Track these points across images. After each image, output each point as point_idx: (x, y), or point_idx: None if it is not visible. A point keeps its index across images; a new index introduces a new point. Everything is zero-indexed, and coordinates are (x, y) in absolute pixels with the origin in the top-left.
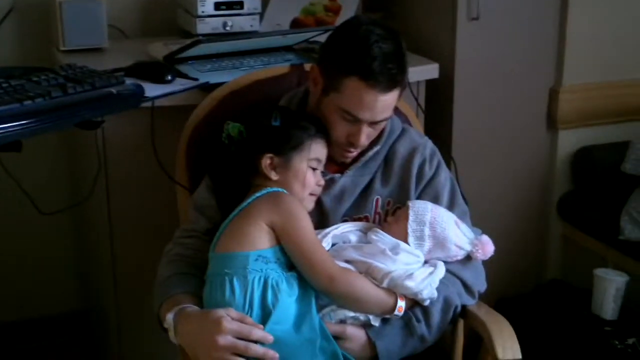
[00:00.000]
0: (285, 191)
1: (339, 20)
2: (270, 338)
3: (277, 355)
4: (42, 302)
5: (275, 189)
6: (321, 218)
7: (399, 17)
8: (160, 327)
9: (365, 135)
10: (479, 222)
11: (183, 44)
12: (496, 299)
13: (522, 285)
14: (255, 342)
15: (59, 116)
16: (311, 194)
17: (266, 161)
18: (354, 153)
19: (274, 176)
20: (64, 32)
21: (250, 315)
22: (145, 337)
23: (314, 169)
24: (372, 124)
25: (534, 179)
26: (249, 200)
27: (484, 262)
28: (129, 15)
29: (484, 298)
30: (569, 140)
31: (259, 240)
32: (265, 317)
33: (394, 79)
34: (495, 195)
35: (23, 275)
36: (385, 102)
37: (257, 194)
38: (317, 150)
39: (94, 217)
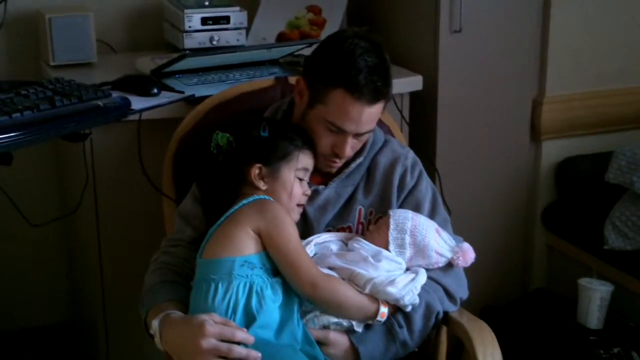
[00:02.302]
0: (272, 199)
1: (324, 33)
2: (252, 339)
3: (259, 355)
4: (31, 313)
5: (262, 196)
6: (305, 228)
7: (382, 30)
8: (147, 334)
9: (350, 147)
10: (463, 232)
11: (170, 58)
12: (481, 308)
13: (507, 295)
14: (239, 344)
15: (47, 128)
16: (298, 205)
17: (255, 171)
18: (339, 164)
19: (262, 186)
20: (53, 47)
21: (233, 321)
22: (133, 347)
23: (300, 180)
24: (357, 135)
25: (518, 190)
26: (236, 206)
27: (469, 271)
28: (117, 31)
29: (468, 307)
30: (553, 151)
31: (245, 246)
32: (248, 322)
33: (379, 91)
34: (480, 205)
35: (12, 286)
36: (370, 114)
37: (244, 201)
38: (305, 160)
39: (82, 228)
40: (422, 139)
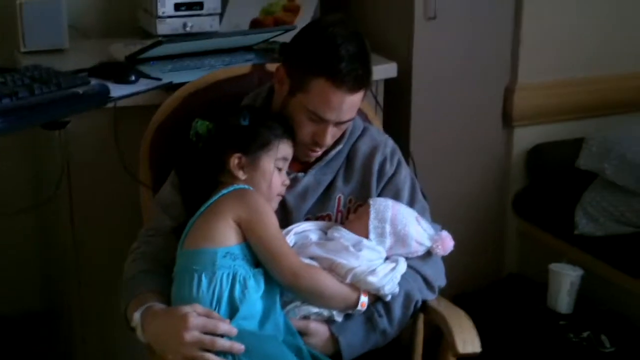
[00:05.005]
0: (251, 188)
1: (298, 20)
2: (235, 331)
3: (242, 347)
4: (5, 302)
5: (241, 185)
6: (284, 216)
7: (357, 17)
8: (128, 326)
9: (331, 135)
10: (436, 218)
11: (144, 44)
12: (454, 294)
13: (479, 281)
14: (222, 336)
15: (26, 116)
16: (277, 194)
17: (234, 160)
18: (318, 152)
19: (241, 175)
20: (24, 33)
21: (218, 312)
22: (110, 336)
23: (279, 169)
24: (338, 124)
25: (491, 176)
26: (216, 197)
27: (443, 258)
28: (89, 16)
29: (442, 294)
30: (525, 138)
31: (227, 237)
32: (232, 313)
33: (360, 79)
34: (452, 192)
35: None
36: (352, 102)
37: (224, 191)
38: (285, 150)
39: (58, 218)
40: (397, 125)
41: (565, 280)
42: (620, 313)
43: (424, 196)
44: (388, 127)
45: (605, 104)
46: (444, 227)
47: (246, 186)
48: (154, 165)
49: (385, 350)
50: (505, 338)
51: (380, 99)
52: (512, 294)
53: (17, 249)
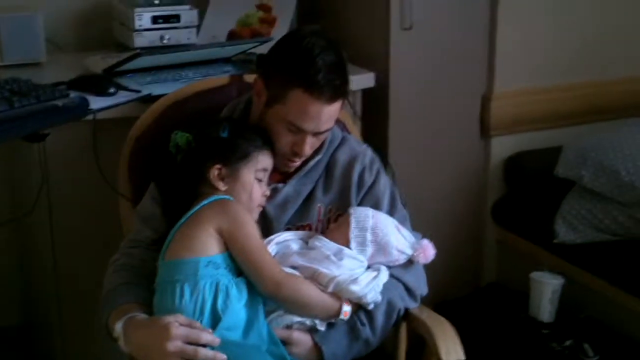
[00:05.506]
0: (231, 198)
1: (275, 31)
2: (217, 341)
3: (225, 357)
4: None
5: (222, 196)
6: (265, 226)
7: (333, 28)
8: (110, 337)
9: (309, 145)
10: (415, 227)
11: (121, 57)
12: (434, 303)
13: (458, 290)
14: (205, 346)
15: (6, 129)
16: (257, 205)
17: (214, 172)
18: (298, 162)
19: (221, 187)
20: (1, 46)
21: (201, 321)
22: (90, 348)
23: (260, 180)
24: (316, 134)
25: (468, 185)
26: (197, 207)
27: (422, 267)
28: (65, 29)
29: (423, 302)
30: (502, 147)
31: (209, 246)
32: (215, 322)
33: (337, 89)
34: (431, 201)
35: None
36: (329, 112)
37: (204, 202)
38: (264, 161)
39: (37, 230)
40: (375, 134)
41: (547, 289)
42: (600, 321)
43: (404, 205)
44: (366, 137)
45: (583, 111)
46: (423, 236)
47: (227, 196)
48: (134, 177)
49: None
50: (488, 347)
51: (358, 108)
52: (493, 302)
53: None
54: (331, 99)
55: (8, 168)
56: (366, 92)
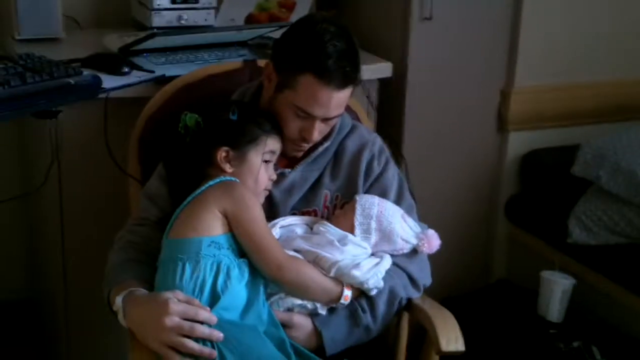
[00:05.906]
0: (237, 180)
1: (293, 16)
2: (214, 319)
3: (222, 335)
4: None
5: (228, 177)
6: (270, 210)
7: (352, 16)
8: (110, 310)
9: (318, 131)
10: (426, 220)
11: (138, 36)
12: (442, 297)
13: (468, 285)
14: (202, 323)
15: (18, 105)
16: (264, 189)
17: (222, 154)
18: (305, 148)
19: (228, 169)
20: (19, 21)
21: (200, 300)
22: (94, 324)
23: (267, 162)
24: (325, 120)
25: (483, 180)
26: (202, 188)
27: (431, 260)
28: (83, 6)
29: (430, 296)
30: (519, 142)
31: (212, 227)
32: (214, 302)
33: (347, 76)
34: (444, 194)
35: None
36: (339, 99)
37: (210, 182)
38: (272, 144)
39: (46, 206)
40: (390, 126)
41: (557, 289)
42: (611, 324)
43: (413, 196)
44: (381, 128)
45: (602, 110)
46: (433, 228)
47: (232, 178)
48: (143, 159)
49: (371, 349)
50: (494, 343)
51: (374, 98)
52: (502, 299)
53: (4, 236)
54: (341, 85)
55: (20, 143)
56: (383, 82)
